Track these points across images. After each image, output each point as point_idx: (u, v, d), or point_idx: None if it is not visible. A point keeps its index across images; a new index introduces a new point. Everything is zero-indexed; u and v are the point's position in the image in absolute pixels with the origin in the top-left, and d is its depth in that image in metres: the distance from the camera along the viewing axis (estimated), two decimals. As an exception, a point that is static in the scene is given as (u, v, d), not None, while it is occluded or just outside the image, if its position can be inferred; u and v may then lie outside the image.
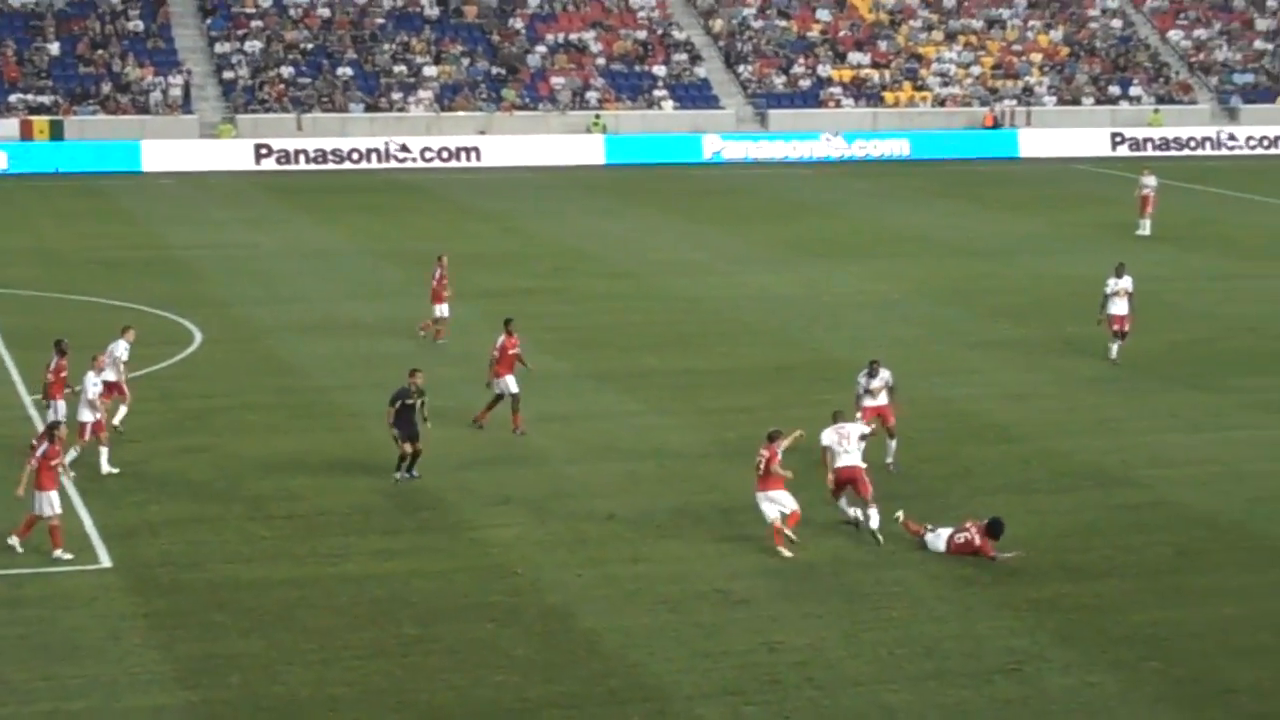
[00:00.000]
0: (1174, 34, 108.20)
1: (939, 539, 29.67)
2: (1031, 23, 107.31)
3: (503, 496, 32.93)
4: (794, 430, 30.86)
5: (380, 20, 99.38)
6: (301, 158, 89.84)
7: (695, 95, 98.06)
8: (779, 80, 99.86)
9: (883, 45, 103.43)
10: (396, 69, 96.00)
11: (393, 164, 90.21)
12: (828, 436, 31.07)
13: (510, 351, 37.37)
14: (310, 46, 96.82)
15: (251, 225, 69.37)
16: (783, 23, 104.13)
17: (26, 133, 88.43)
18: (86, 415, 34.11)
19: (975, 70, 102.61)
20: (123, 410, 36.79)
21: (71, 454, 33.27)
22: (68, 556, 29.05)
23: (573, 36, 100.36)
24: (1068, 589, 28.12)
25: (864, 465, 31.12)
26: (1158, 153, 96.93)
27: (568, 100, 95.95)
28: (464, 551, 30.00)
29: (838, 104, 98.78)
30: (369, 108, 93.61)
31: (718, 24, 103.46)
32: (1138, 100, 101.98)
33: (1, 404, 40.27)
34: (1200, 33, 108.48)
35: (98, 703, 23.76)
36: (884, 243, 65.74)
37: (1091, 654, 25.49)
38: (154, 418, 37.30)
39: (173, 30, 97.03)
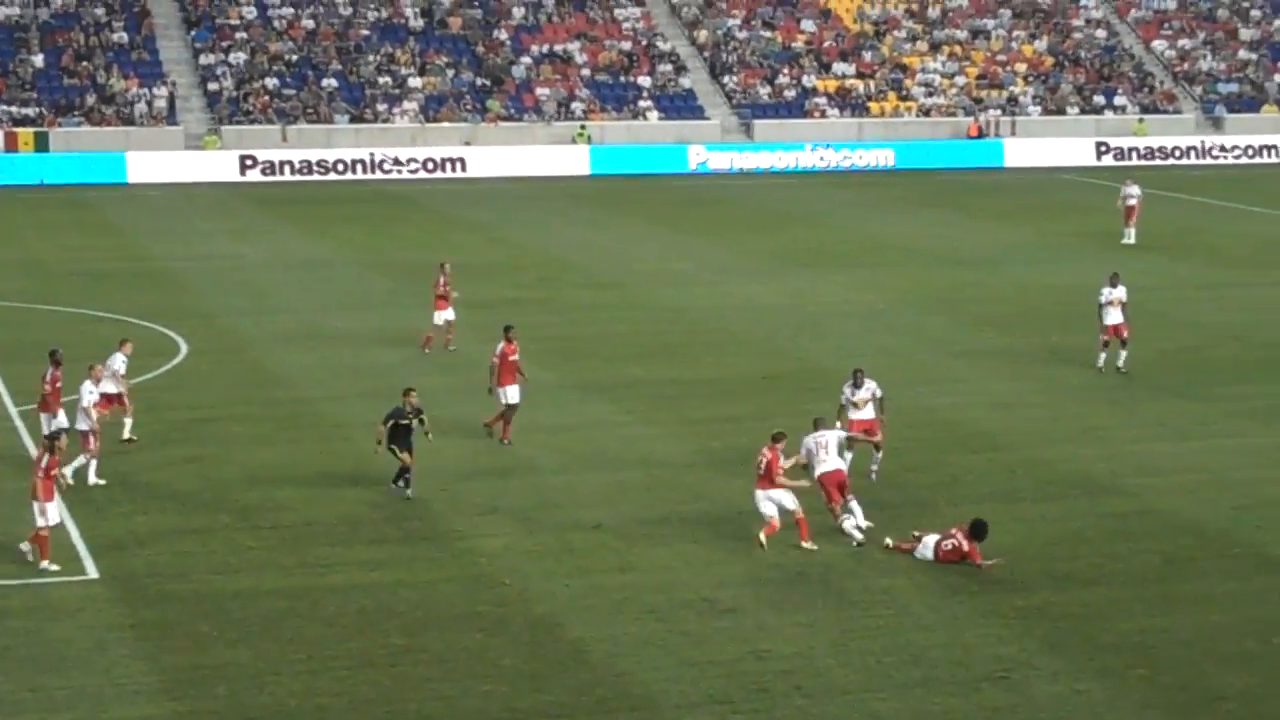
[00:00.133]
0: (1158, 44, 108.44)
1: (927, 548, 29.70)
2: (1016, 33, 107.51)
3: (490, 507, 32.91)
4: (797, 459, 30.98)
5: (365, 32, 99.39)
6: (287, 169, 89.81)
7: (680, 106, 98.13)
8: (764, 91, 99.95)
9: (867, 55, 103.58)
10: (381, 80, 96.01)
11: (378, 175, 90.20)
12: (806, 443, 31.17)
13: (510, 358, 37.31)
14: (295, 58, 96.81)
15: (237, 236, 69.33)
16: (767, 33, 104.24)
17: (11, 145, 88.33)
18: (83, 424, 34.08)
19: (960, 80, 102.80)
20: (128, 422, 36.75)
21: (77, 462, 33.27)
22: (54, 568, 29.00)
23: (557, 47, 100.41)
24: (1055, 597, 28.14)
25: (844, 468, 31.25)
26: (1142, 162, 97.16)
27: (553, 111, 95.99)
28: (451, 562, 29.97)
29: (823, 114, 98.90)
30: (354, 119, 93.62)
31: (703, 35, 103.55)
32: (1122, 110, 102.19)
33: (-13, 416, 40.20)
34: (1184, 43, 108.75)
35: (84, 714, 23.70)
36: (869, 252, 65.80)
37: (1079, 662, 25.50)
38: (140, 429, 37.22)
39: (157, 42, 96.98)
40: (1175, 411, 40.72)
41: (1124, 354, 43.87)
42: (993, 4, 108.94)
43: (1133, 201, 67.75)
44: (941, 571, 29.15)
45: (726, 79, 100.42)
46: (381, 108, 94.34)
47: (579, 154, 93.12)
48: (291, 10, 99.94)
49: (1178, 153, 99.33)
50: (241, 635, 26.36)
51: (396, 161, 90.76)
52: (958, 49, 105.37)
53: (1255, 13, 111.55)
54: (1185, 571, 29.59)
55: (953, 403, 41.41)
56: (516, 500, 33.35)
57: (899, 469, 35.12)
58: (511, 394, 37.25)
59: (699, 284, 58.21)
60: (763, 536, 30.00)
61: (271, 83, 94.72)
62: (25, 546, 29.50)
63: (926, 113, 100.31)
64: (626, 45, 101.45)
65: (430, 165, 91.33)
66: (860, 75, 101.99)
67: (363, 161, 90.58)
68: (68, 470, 31.66)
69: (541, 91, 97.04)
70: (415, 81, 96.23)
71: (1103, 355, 44.13)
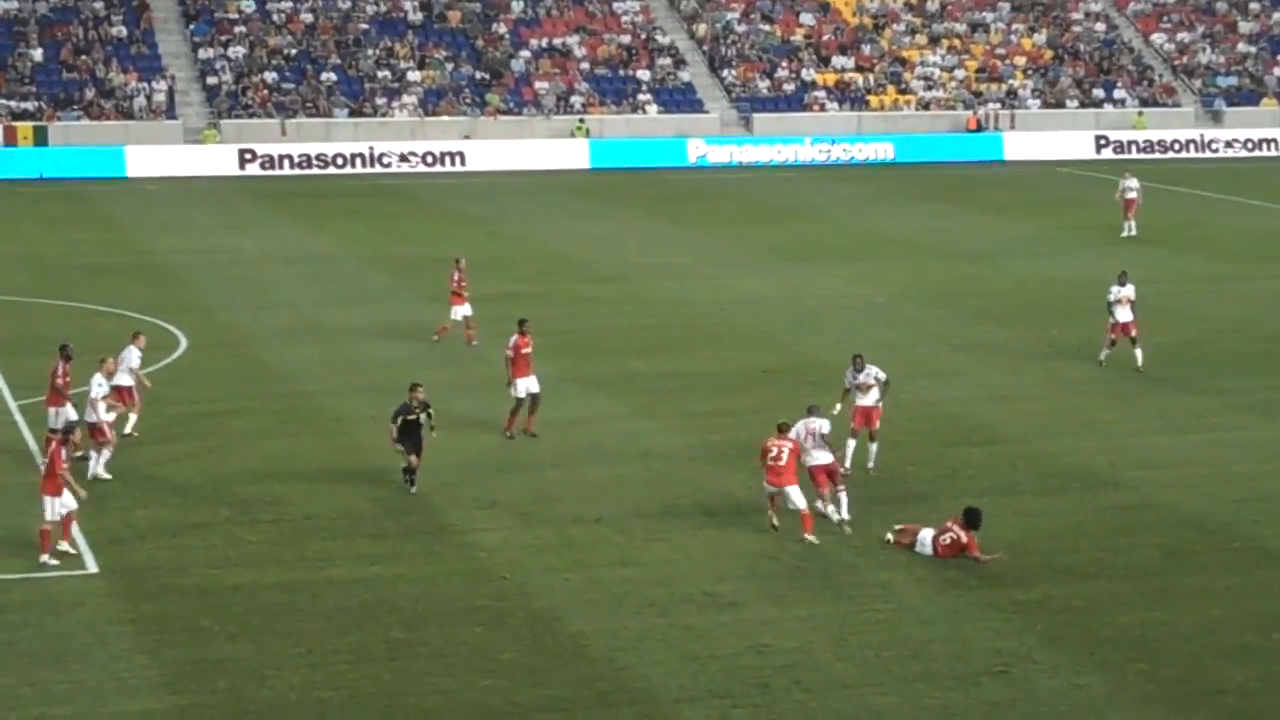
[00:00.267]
0: (1157, 37, 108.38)
1: (925, 545, 29.68)
2: (1015, 26, 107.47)
3: (489, 501, 32.90)
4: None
5: (364, 25, 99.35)
6: (286, 163, 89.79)
7: (679, 99, 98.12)
8: (763, 84, 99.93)
9: (866, 49, 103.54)
10: (380, 74, 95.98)
11: (377, 169, 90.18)
12: (797, 429, 31.21)
13: (524, 351, 37.24)
14: (294, 52, 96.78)
15: (236, 230, 69.31)
16: (766, 27, 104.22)
17: (10, 139, 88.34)
18: (92, 417, 34.03)
19: (959, 74, 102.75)
20: (133, 418, 36.73)
21: (93, 458, 33.30)
22: (54, 562, 29.00)
23: (557, 41, 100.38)
24: (1055, 591, 28.13)
25: (832, 459, 31.32)
26: (1142, 155, 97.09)
27: (552, 105, 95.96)
28: (451, 556, 29.96)
29: (822, 108, 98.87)
30: (353, 113, 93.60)
31: (701, 28, 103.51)
32: (1121, 103, 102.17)
33: (-13, 410, 40.20)
34: (1183, 36, 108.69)
35: (84, 708, 23.70)
36: (868, 246, 65.79)
37: (1079, 656, 25.51)
38: (140, 424, 37.20)
39: (156, 36, 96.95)
40: (1175, 405, 40.71)
41: (1139, 353, 43.66)
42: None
43: (1131, 195, 67.74)
44: (941, 566, 29.14)
45: (725, 73, 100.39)
46: (381, 101, 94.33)
47: (578, 148, 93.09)
48: (290, 4, 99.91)
49: (1177, 146, 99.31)
50: (241, 629, 26.36)
51: (395, 154, 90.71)
52: (957, 42, 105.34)
53: (1254, 6, 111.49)
54: (1185, 565, 29.60)
55: (952, 396, 41.41)
56: (516, 494, 33.34)
57: (899, 462, 35.13)
58: (530, 385, 37.14)
59: (698, 277, 58.21)
60: (810, 537, 30.12)
61: (270, 76, 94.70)
62: (63, 545, 29.49)
63: (926, 106, 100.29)
64: (625, 39, 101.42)
65: (429, 159, 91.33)
66: (859, 69, 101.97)
67: (362, 155, 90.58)
68: (98, 465, 31.73)
69: (541, 85, 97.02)
70: (414, 75, 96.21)
71: (1106, 351, 44.08)
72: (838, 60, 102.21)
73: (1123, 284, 44.09)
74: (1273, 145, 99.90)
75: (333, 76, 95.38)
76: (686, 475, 34.71)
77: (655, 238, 67.88)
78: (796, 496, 30.25)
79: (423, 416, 33.11)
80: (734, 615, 27.07)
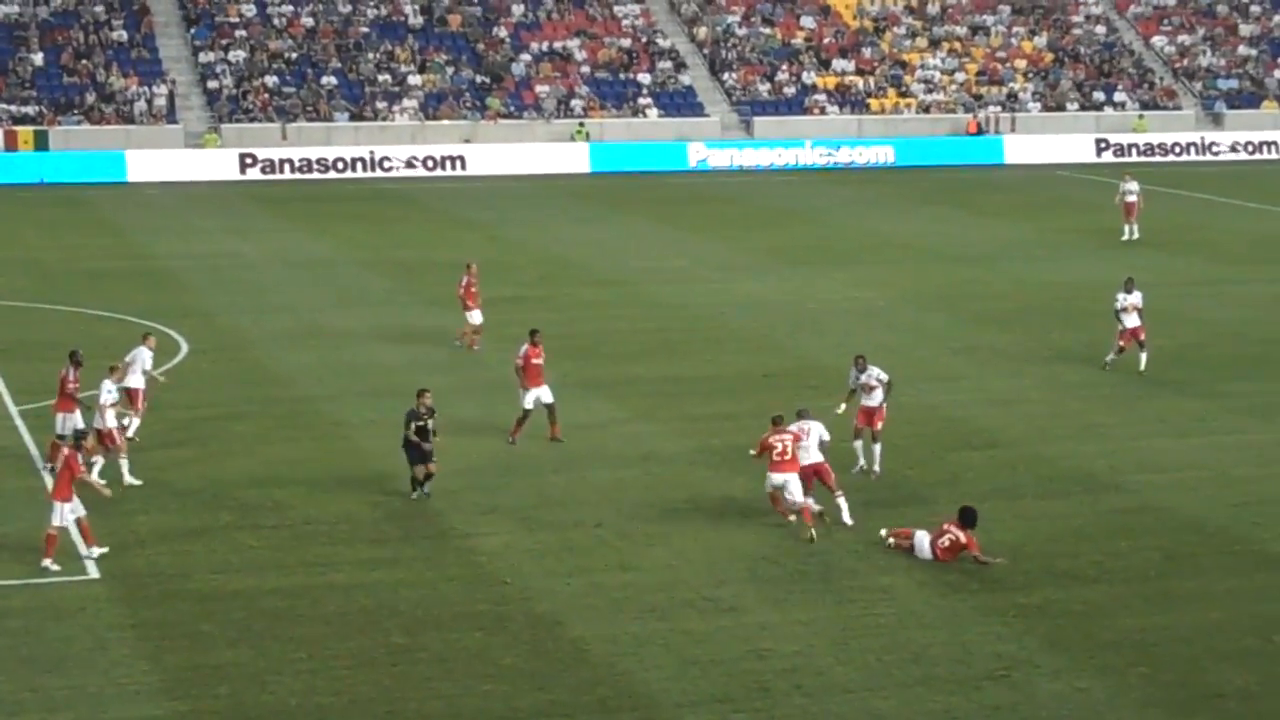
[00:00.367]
0: (1158, 40, 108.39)
1: (924, 549, 29.67)
2: (1015, 29, 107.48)
3: (490, 505, 32.90)
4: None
5: (364, 29, 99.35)
6: (286, 167, 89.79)
7: (680, 103, 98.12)
8: (763, 87, 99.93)
9: (867, 52, 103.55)
10: (381, 78, 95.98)
11: (378, 173, 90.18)
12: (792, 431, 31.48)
13: (534, 361, 37.18)
14: (294, 56, 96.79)
15: (237, 235, 69.32)
16: (767, 30, 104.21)
17: (11, 143, 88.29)
18: (100, 424, 33.99)
19: (959, 77, 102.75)
20: (136, 422, 36.71)
21: (100, 464, 33.30)
22: (55, 568, 28.99)
23: (557, 45, 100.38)
24: (1056, 595, 28.14)
25: (823, 459, 31.48)
26: (1142, 158, 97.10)
27: (552, 109, 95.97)
28: (452, 561, 29.97)
29: (822, 111, 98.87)
30: (354, 117, 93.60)
31: (702, 31, 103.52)
32: (1122, 106, 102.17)
33: (-13, 415, 40.20)
34: (1184, 39, 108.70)
35: (85, 714, 23.70)
36: (869, 249, 65.79)
37: (1080, 659, 25.51)
38: (140, 428, 37.20)
39: (157, 40, 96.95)
40: (1175, 408, 40.72)
41: (1144, 357, 43.69)
42: (992, 0, 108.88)
43: (1132, 198, 67.71)
44: (942, 570, 29.15)
45: (726, 76, 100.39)
46: (381, 105, 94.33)
47: (579, 151, 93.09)
48: (291, 8, 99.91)
49: (1177, 149, 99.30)
50: (242, 634, 26.37)
51: (395, 159, 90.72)
52: (957, 45, 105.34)
53: (1255, 8, 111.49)
54: (1185, 568, 29.60)
55: (953, 400, 41.41)
56: (517, 499, 33.34)
57: (900, 466, 35.14)
58: (543, 395, 36.97)
59: (699, 281, 58.21)
60: (813, 531, 30.34)
61: (271, 81, 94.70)
62: (94, 551, 29.50)
63: (926, 109, 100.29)
64: (626, 42, 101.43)
65: (430, 163, 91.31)
66: (860, 72, 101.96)
67: (362, 159, 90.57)
68: (94, 473, 31.78)
69: (541, 89, 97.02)
70: (415, 79, 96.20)
71: (1112, 356, 44.07)
72: (838, 63, 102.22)
73: (1129, 291, 44.08)
74: (1273, 148, 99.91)
75: (333, 80, 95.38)
76: (687, 479, 34.73)
77: (656, 241, 67.89)
78: (796, 489, 30.45)
79: (431, 423, 32.98)
80: (734, 619, 27.08)
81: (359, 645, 25.96)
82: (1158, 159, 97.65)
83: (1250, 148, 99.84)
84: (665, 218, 74.64)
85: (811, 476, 31.29)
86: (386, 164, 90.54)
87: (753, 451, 32.22)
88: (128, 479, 33.60)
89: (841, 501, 31.37)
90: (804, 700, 24.11)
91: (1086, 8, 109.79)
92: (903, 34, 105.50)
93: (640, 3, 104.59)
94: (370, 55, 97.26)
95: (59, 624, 26.83)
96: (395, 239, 67.98)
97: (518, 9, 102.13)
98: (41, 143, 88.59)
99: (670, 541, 30.81)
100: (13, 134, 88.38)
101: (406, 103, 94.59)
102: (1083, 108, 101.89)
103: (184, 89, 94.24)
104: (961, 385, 43.06)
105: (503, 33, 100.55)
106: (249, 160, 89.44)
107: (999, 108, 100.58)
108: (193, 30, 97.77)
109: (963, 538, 29.44)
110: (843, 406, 35.00)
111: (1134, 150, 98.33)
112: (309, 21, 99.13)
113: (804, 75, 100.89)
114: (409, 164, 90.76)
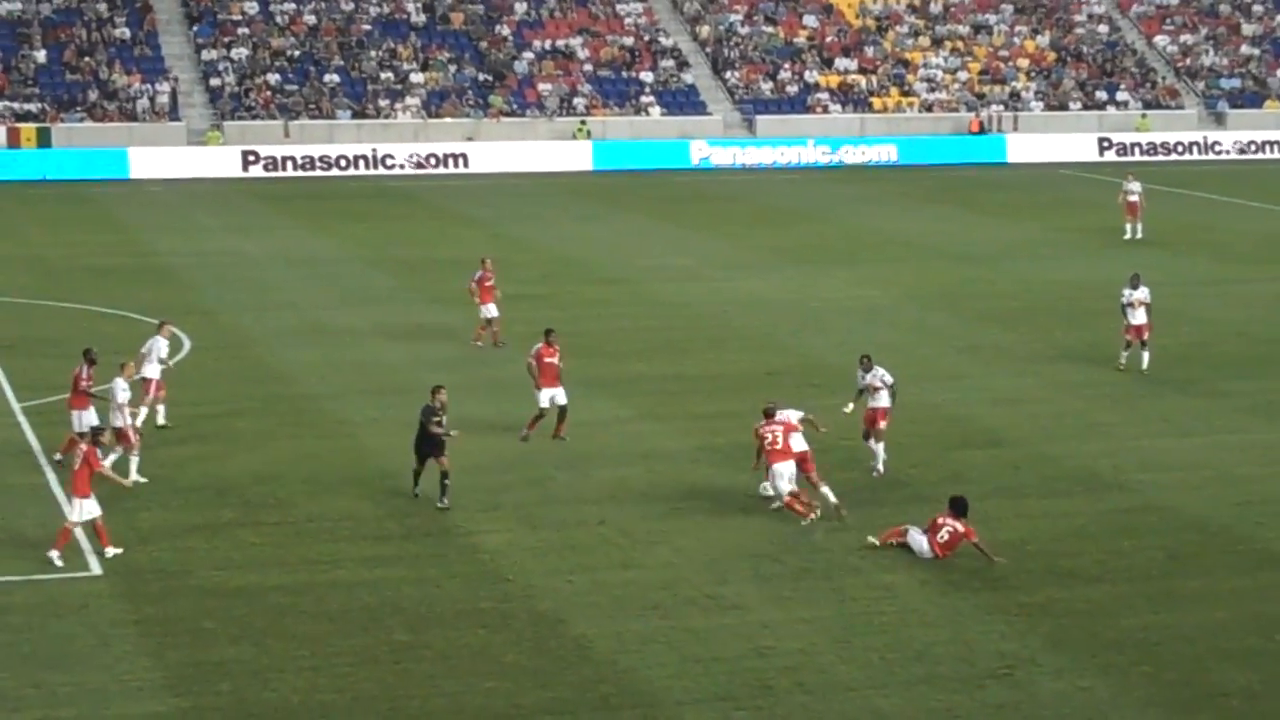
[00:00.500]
0: (1160, 39, 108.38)
1: (923, 550, 29.63)
2: (1018, 28, 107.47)
3: (493, 503, 32.88)
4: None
5: (367, 27, 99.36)
6: (289, 164, 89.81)
7: (682, 101, 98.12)
8: (766, 86, 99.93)
9: (870, 51, 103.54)
10: (383, 76, 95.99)
11: (380, 170, 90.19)
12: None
13: (547, 360, 37.10)
14: (297, 53, 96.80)
15: (239, 232, 69.32)
16: (770, 29, 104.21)
17: (14, 140, 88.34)
18: (117, 421, 33.93)
19: (962, 76, 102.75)
20: (144, 413, 36.64)
21: (114, 457, 33.26)
22: (59, 562, 28.98)
23: (560, 43, 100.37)
24: (1059, 594, 28.12)
25: (807, 448, 31.63)
26: (1145, 158, 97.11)
27: (555, 107, 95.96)
28: (454, 558, 29.95)
29: (825, 110, 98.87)
30: (356, 114, 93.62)
31: (705, 30, 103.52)
32: (1125, 105, 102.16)
33: (-10, 411, 40.19)
34: (1187, 38, 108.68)
35: (87, 710, 23.69)
36: (872, 248, 65.78)
37: (1082, 658, 25.49)
38: (143, 425, 37.16)
39: (159, 37, 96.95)
40: (1179, 408, 40.70)
41: (1146, 355, 43.69)
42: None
43: (1134, 198, 67.69)
44: (944, 568, 29.14)
45: (729, 74, 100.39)
46: (384, 103, 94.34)
47: (581, 149, 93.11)
48: (293, 5, 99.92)
49: (1180, 148, 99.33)
50: (244, 631, 26.36)
51: (398, 156, 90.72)
52: (960, 44, 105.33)
53: (1258, 8, 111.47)
54: (1189, 568, 29.58)
55: (956, 399, 41.40)
56: (519, 496, 33.33)
57: (903, 465, 35.12)
58: (556, 395, 36.89)
59: (701, 279, 58.21)
60: (813, 516, 30.89)
61: (274, 78, 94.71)
62: (111, 552, 29.51)
63: (929, 108, 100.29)
64: (628, 41, 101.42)
65: (432, 161, 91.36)
66: (862, 70, 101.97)
67: (365, 157, 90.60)
68: (107, 462, 31.79)
69: (544, 87, 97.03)
70: (417, 77, 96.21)
71: (1125, 354, 44.05)
72: (841, 62, 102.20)
73: (1135, 287, 44.04)
74: (1276, 147, 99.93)
75: (336, 78, 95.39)
76: (689, 477, 34.71)
77: (658, 240, 67.88)
78: (782, 480, 30.61)
79: (444, 419, 32.74)
80: (737, 617, 27.06)
81: (361, 642, 25.95)
82: (1160, 158, 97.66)
83: (1253, 147, 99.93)
84: (668, 216, 74.64)
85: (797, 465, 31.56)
86: (389, 162, 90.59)
87: (753, 465, 32.45)
88: (134, 476, 33.57)
89: (825, 490, 31.55)
90: (806, 698, 24.09)
91: (1089, 7, 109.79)
92: (905, 33, 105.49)
93: (643, 1, 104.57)
94: (373, 53, 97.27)
95: (61, 620, 26.82)
96: (397, 237, 67.98)
97: (520, 7, 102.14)
98: (44, 140, 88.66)
99: (673, 539, 30.79)
100: (16, 131, 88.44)
101: (409, 100, 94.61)
102: (1085, 107, 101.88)
103: (186, 86, 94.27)
104: (964, 384, 43.04)
105: (505, 31, 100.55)
106: (251, 158, 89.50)
107: (1002, 107, 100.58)
108: (195, 28, 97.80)
109: (960, 527, 29.44)
110: (850, 406, 35.07)
111: (1136, 150, 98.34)
112: (311, 19, 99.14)
113: (806, 74, 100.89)
114: (410, 161, 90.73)
